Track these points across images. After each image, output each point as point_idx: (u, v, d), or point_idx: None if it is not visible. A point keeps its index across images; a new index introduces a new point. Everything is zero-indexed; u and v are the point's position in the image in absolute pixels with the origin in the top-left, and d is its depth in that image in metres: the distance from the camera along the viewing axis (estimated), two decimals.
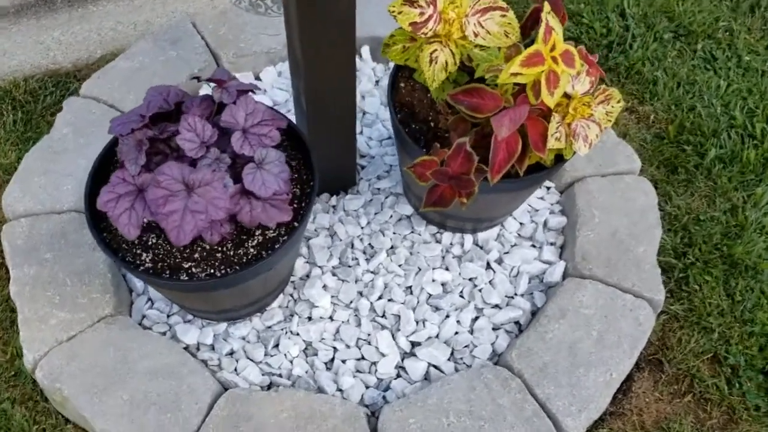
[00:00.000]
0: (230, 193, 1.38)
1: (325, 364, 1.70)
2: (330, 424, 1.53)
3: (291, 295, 1.78)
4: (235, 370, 1.67)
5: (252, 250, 1.46)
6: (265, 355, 1.69)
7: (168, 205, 1.29)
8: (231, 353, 1.70)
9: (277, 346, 1.71)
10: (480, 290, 1.80)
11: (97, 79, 2.12)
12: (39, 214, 1.83)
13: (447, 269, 1.83)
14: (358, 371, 1.69)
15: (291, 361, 1.69)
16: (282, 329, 1.73)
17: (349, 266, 1.82)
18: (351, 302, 1.77)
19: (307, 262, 1.83)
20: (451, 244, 1.88)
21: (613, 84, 2.34)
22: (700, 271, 1.91)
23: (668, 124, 2.23)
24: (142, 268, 1.44)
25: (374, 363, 1.69)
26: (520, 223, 1.93)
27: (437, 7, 1.50)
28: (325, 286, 1.78)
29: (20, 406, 1.65)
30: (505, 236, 1.90)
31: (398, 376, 1.69)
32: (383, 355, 1.70)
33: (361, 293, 1.79)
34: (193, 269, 1.44)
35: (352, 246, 1.86)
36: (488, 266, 1.85)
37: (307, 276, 1.81)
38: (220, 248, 1.46)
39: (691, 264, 1.92)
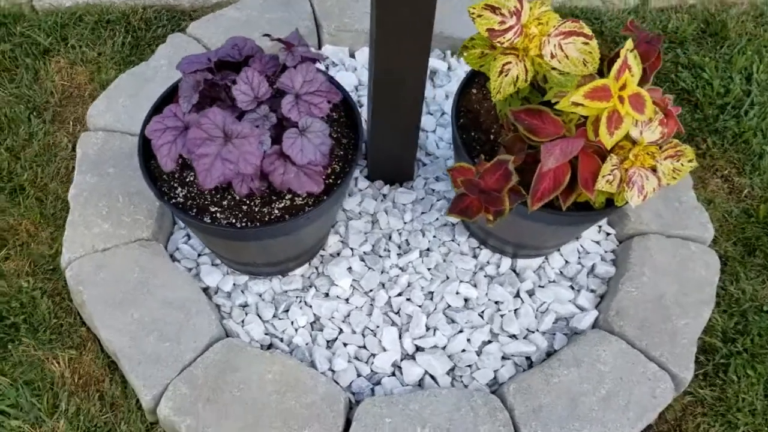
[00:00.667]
0: (267, 152, 1.41)
1: (327, 342, 1.71)
2: (309, 398, 1.55)
3: (316, 268, 1.80)
4: (242, 322, 1.72)
5: (277, 211, 1.49)
6: (274, 316, 1.73)
7: (203, 147, 1.34)
8: (244, 305, 1.75)
9: (287, 311, 1.73)
10: (502, 316, 1.75)
11: (205, 21, 2.22)
12: (115, 132, 1.95)
13: (474, 286, 1.79)
14: (356, 358, 1.69)
15: (296, 330, 1.72)
16: (297, 297, 1.75)
17: (380, 256, 1.82)
18: (370, 291, 1.77)
19: (341, 240, 1.84)
20: (487, 262, 1.84)
21: (715, 147, 2.19)
22: (745, 362, 1.76)
23: (761, 203, 2.06)
24: (173, 201, 1.50)
25: (373, 355, 1.69)
26: (566, 261, 1.85)
27: (520, 20, 1.45)
28: (350, 269, 1.79)
29: (48, 299, 1.77)
30: (546, 270, 1.83)
31: (393, 374, 1.68)
32: (384, 349, 1.69)
33: (383, 285, 1.78)
34: (218, 215, 1.48)
35: (389, 238, 1.85)
36: (517, 294, 1.79)
37: (338, 254, 1.82)
38: (247, 201, 1.50)
39: (738, 353, 1.78)
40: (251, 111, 1.43)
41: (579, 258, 1.87)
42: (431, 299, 1.77)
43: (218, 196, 1.50)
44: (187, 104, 1.41)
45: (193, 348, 1.61)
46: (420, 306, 1.76)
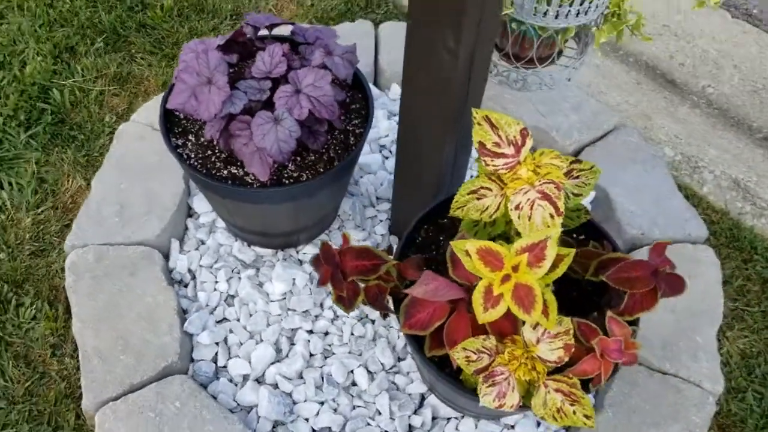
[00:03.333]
0: (240, 117, 1.47)
1: (224, 319, 1.73)
2: (159, 340, 1.60)
3: (278, 259, 1.81)
4: (187, 251, 1.82)
5: (225, 172, 1.55)
6: (210, 267, 1.79)
7: (186, 74, 1.45)
8: (202, 242, 1.85)
9: (219, 270, 1.78)
10: (368, 424, 1.59)
11: None
12: None
13: (372, 379, 1.64)
14: (228, 347, 1.68)
15: (213, 290, 1.76)
16: (235, 267, 1.79)
17: (328, 292, 1.76)
18: (293, 310, 1.74)
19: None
20: (407, 372, 1.67)
21: None
22: None
23: None
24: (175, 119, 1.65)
25: (238, 356, 1.66)
26: None
27: (519, 155, 1.27)
28: (294, 280, 1.77)
29: (108, 140, 2.07)
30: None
31: (236, 384, 1.64)
32: (249, 362, 1.65)
33: (306, 314, 1.73)
34: (189, 144, 1.59)
35: None
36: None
37: (301, 263, 1.81)
38: (213, 147, 1.58)
39: None
40: (255, 79, 1.49)
41: None
42: (326, 357, 1.68)
43: (200, 131, 1.61)
44: (219, 42, 1.53)
45: (126, 236, 1.76)
46: (311, 355, 1.68)
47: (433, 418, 1.62)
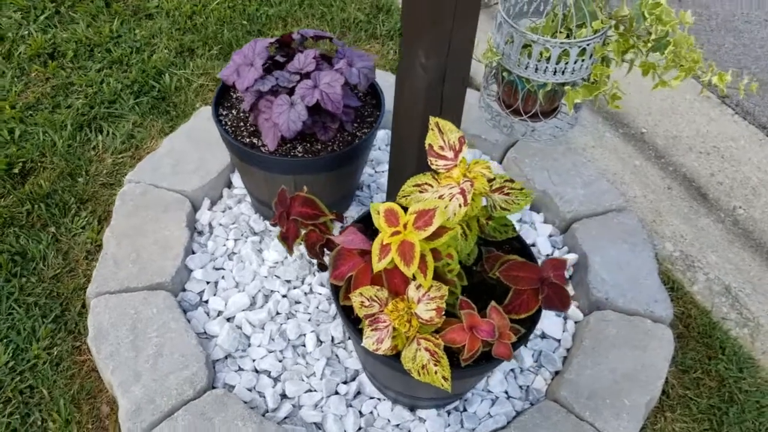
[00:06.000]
0: (267, 96, 1.84)
1: (219, 269, 2.06)
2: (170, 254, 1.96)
3: None
4: (214, 211, 2.18)
5: (246, 139, 1.91)
6: (227, 226, 2.14)
7: (238, 56, 1.86)
8: (228, 208, 2.21)
9: (232, 230, 2.13)
10: (296, 364, 1.82)
11: None
12: None
13: (320, 345, 1.89)
14: (208, 286, 2.00)
15: (224, 244, 2.10)
16: (244, 233, 2.13)
17: (311, 272, 2.05)
18: (278, 276, 2.03)
19: None
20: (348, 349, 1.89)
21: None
22: None
23: None
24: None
25: (216, 296, 1.97)
26: None
27: (457, 159, 1.53)
28: (286, 256, 2.07)
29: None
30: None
31: (210, 318, 1.94)
32: (225, 303, 1.96)
33: (287, 282, 2.02)
34: (230, 115, 1.98)
35: None
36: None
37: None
38: (246, 121, 1.96)
39: None
40: (289, 72, 1.87)
41: None
42: (289, 318, 1.94)
43: (237, 94, 2.00)
44: (270, 41, 1.93)
45: (191, 172, 2.16)
46: (277, 313, 1.95)
47: (358, 393, 1.82)
